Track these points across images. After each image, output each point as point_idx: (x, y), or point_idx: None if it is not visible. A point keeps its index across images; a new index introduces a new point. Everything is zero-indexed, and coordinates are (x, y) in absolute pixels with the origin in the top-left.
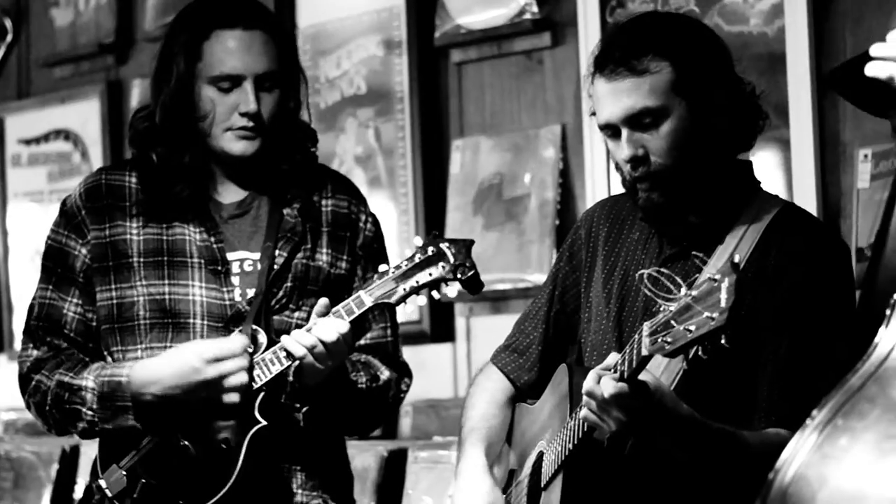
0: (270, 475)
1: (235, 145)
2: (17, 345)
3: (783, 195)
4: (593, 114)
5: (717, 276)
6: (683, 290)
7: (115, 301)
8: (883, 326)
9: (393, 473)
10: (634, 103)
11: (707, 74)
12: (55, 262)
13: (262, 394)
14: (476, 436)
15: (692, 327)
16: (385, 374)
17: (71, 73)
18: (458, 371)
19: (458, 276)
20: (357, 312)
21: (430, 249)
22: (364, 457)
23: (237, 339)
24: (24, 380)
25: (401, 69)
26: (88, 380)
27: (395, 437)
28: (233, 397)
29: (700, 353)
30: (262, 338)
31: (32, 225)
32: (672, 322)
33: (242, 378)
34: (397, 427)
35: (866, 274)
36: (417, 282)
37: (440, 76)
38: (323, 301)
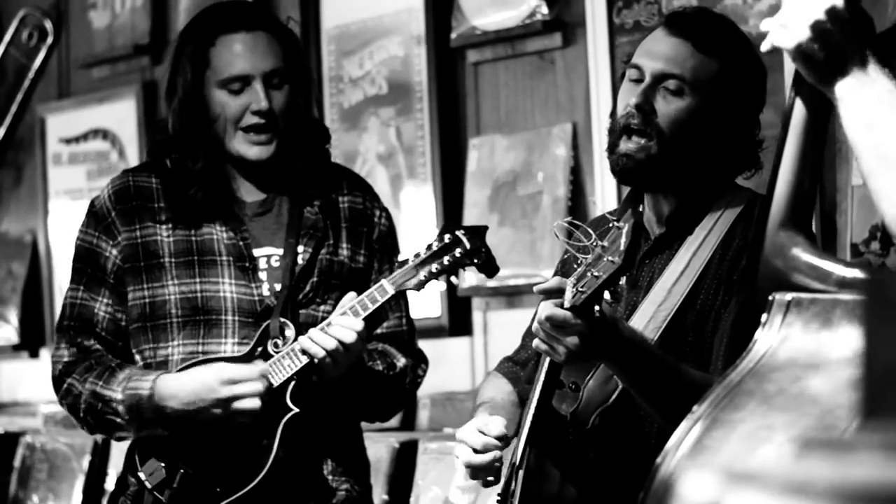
0: (302, 462)
1: (251, 150)
2: None
3: None
4: (627, 61)
5: (621, 224)
6: (595, 240)
7: (147, 300)
8: (761, 327)
9: (404, 464)
10: (674, 66)
11: (740, 96)
12: (85, 263)
13: (293, 382)
14: (483, 407)
15: (598, 273)
16: (401, 361)
17: (108, 73)
18: (475, 364)
19: (475, 260)
20: (380, 301)
21: (447, 237)
22: (377, 448)
23: (255, 366)
24: (57, 381)
25: (420, 69)
26: (117, 392)
27: (413, 429)
28: (242, 419)
29: (609, 297)
30: (290, 331)
31: (73, 222)
32: (587, 272)
33: (254, 403)
34: (415, 419)
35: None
36: (436, 268)
37: (457, 76)
38: (350, 295)
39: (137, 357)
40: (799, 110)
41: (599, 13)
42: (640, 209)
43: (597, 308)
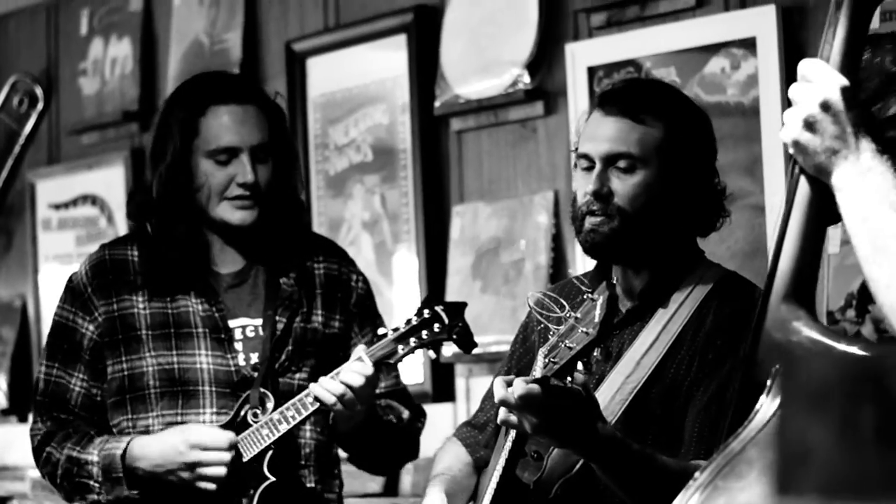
0: None
1: (234, 215)
2: None
3: (759, 259)
4: (576, 150)
5: (595, 296)
6: (568, 312)
7: (126, 373)
8: (764, 395)
9: None
10: (619, 145)
11: (691, 153)
12: (61, 339)
13: (270, 451)
14: (438, 480)
15: (572, 344)
16: (406, 413)
17: (98, 139)
18: None
19: (453, 336)
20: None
21: (426, 312)
22: None
23: (225, 434)
24: (37, 452)
25: (404, 137)
26: (93, 454)
27: (396, 495)
28: (208, 486)
29: (581, 368)
30: (270, 402)
31: (62, 288)
32: (559, 343)
33: (219, 471)
34: (398, 485)
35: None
36: (414, 342)
37: (441, 144)
38: (360, 347)
39: (114, 430)
40: (804, 186)
41: (580, 82)
42: (614, 281)
43: (568, 379)
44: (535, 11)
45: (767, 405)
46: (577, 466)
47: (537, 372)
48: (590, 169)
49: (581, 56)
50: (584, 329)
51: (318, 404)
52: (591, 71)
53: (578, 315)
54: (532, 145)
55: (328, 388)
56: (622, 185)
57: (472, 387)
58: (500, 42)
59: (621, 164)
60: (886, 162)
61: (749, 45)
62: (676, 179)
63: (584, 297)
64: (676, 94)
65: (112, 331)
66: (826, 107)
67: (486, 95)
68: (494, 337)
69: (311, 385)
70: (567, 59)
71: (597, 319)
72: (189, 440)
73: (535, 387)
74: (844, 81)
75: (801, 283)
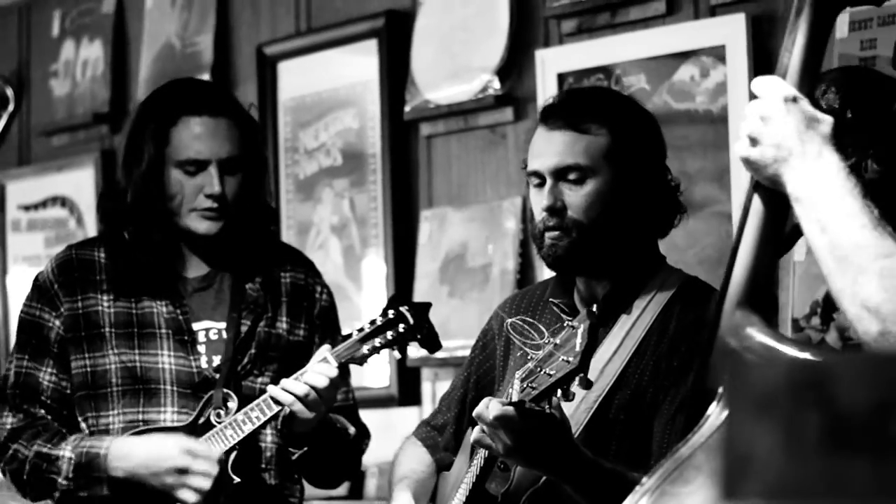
0: None
1: (201, 225)
2: None
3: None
4: (524, 167)
5: (576, 324)
6: (547, 337)
7: (88, 369)
8: (714, 402)
9: None
10: (566, 157)
11: (640, 155)
12: (29, 335)
13: (235, 452)
14: (404, 483)
15: (552, 371)
16: (352, 429)
17: (68, 141)
18: None
19: (417, 336)
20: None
21: (391, 312)
22: None
23: (218, 449)
24: (1, 449)
25: (374, 141)
26: (66, 450)
27: (361, 498)
28: (189, 496)
29: (559, 395)
30: (233, 403)
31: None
32: (538, 368)
33: (205, 483)
34: (362, 488)
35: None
36: (379, 343)
37: (410, 149)
38: (325, 347)
39: (83, 425)
40: (757, 197)
41: (550, 89)
42: (594, 310)
43: (546, 406)
44: (506, 18)
45: (717, 413)
46: (545, 478)
47: (514, 395)
48: (541, 185)
49: (551, 62)
50: (565, 357)
51: (279, 406)
52: (561, 77)
53: (558, 342)
54: (501, 151)
55: (290, 389)
56: (575, 197)
57: (438, 391)
58: (470, 48)
59: (571, 176)
60: (839, 164)
61: (718, 53)
62: (628, 183)
63: (565, 323)
64: (619, 98)
65: (75, 327)
66: (765, 119)
67: (455, 101)
68: (461, 341)
69: (270, 387)
70: (537, 65)
71: (578, 349)
72: (182, 445)
73: (511, 409)
74: (788, 92)
75: (755, 291)
